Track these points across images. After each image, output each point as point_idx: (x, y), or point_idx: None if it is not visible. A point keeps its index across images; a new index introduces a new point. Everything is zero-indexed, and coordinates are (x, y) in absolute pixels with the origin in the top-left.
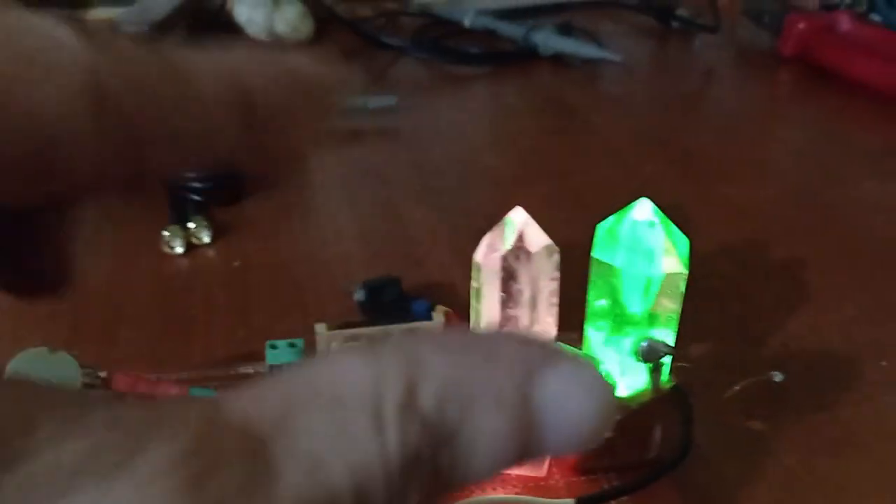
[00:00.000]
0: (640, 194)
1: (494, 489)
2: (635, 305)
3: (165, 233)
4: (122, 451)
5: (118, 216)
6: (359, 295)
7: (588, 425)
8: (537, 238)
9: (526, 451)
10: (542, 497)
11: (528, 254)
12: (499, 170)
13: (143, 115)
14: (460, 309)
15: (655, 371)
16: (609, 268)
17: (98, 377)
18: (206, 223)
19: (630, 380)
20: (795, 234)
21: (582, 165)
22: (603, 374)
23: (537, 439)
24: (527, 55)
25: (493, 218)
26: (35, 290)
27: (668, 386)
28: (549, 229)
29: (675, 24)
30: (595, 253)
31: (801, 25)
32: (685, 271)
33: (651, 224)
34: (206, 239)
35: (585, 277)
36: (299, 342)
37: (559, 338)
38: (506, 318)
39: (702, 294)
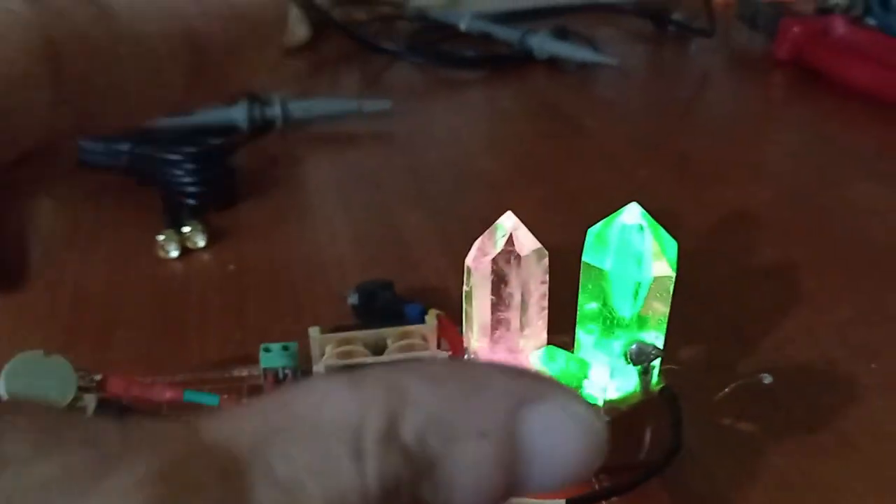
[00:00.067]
0: (634, 198)
1: None
2: (625, 308)
3: (160, 237)
4: (94, 471)
5: (113, 220)
6: (352, 298)
7: (576, 461)
8: (527, 242)
9: (511, 486)
10: (533, 498)
11: (518, 257)
12: (494, 174)
13: (93, 71)
14: (454, 312)
15: (645, 373)
16: (599, 271)
17: (93, 380)
18: (200, 227)
19: (620, 382)
20: (789, 236)
21: (577, 169)
22: (595, 409)
23: (523, 474)
24: (522, 59)
25: (487, 222)
26: None
27: (658, 388)
28: (543, 233)
29: (670, 28)
30: (585, 257)
31: (796, 29)
32: (673, 274)
33: (640, 228)
34: (201, 243)
35: (579, 281)
36: (293, 345)
37: (550, 340)
38: (497, 322)
39: (695, 297)
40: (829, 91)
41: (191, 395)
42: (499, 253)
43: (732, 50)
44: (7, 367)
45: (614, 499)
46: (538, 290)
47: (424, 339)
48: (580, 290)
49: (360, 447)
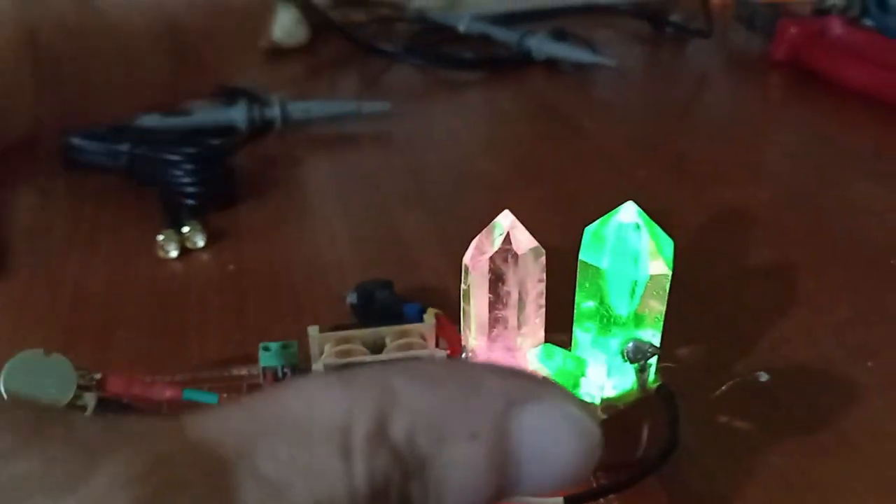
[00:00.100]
0: (633, 198)
1: None
2: (621, 307)
3: (160, 237)
4: (77, 468)
5: (113, 220)
6: (351, 298)
7: (570, 463)
8: (524, 240)
9: (503, 487)
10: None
11: (515, 256)
12: (492, 174)
13: (76, 62)
14: (452, 312)
15: (642, 371)
16: (595, 270)
17: (93, 379)
18: (200, 227)
19: (617, 380)
20: (787, 236)
21: (575, 170)
22: (589, 411)
23: (515, 475)
24: (521, 60)
25: (485, 222)
26: None
27: (654, 386)
28: (542, 233)
29: (668, 29)
30: (582, 255)
31: (793, 30)
32: (669, 273)
33: (636, 227)
34: (201, 243)
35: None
36: (292, 344)
37: (548, 339)
38: (494, 320)
39: (693, 296)
40: (827, 91)
41: (190, 394)
42: (496, 251)
43: (730, 51)
44: (7, 365)
45: (612, 496)
46: (535, 289)
47: (423, 338)
48: (577, 289)
49: (348, 447)
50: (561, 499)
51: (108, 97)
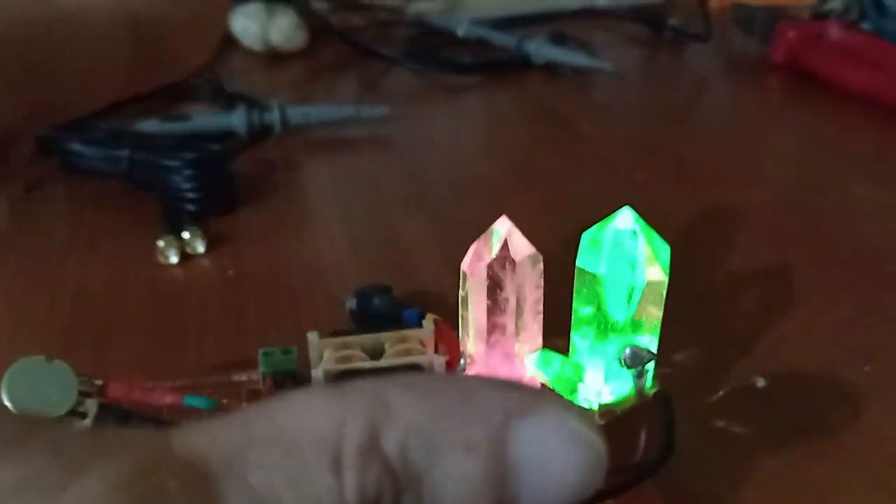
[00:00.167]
0: (631, 202)
1: None
2: (619, 313)
3: (160, 243)
4: (59, 478)
5: (113, 226)
6: (350, 303)
7: (572, 477)
8: (522, 247)
9: (501, 502)
10: None
11: (512, 263)
12: (491, 178)
13: (38, 59)
14: (451, 316)
15: (639, 377)
16: (593, 276)
17: (94, 385)
18: (200, 233)
19: (615, 386)
20: (786, 239)
21: (574, 173)
22: (593, 423)
23: (514, 490)
24: (519, 64)
25: (484, 226)
26: None
27: (652, 391)
28: (540, 237)
29: (666, 33)
30: (579, 262)
31: (792, 34)
32: (666, 278)
33: (633, 233)
34: (201, 249)
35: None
36: (293, 350)
37: (547, 344)
38: (493, 326)
39: (692, 299)
40: (826, 95)
41: (190, 400)
42: (494, 258)
43: (729, 54)
44: (8, 372)
45: (609, 501)
46: (533, 295)
47: (422, 343)
48: (574, 295)
49: (339, 459)
50: None
51: (72, 92)
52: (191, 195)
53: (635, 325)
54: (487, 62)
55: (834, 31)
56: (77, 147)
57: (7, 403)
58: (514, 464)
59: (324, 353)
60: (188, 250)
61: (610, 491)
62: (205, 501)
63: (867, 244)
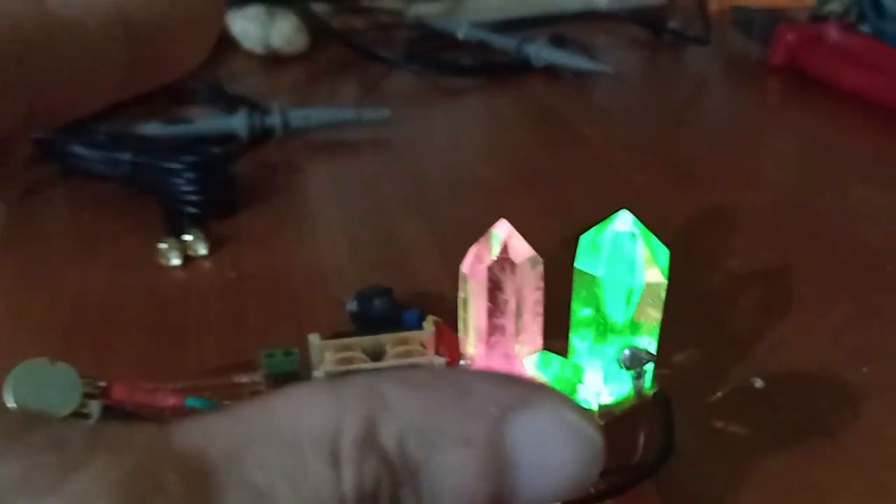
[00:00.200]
0: (631, 204)
1: None
2: (618, 314)
3: (162, 245)
4: (58, 473)
5: (115, 229)
6: (351, 305)
7: (570, 471)
8: (521, 249)
9: (499, 495)
10: None
11: (512, 265)
12: (491, 181)
13: (33, 65)
14: (451, 318)
15: (638, 378)
16: (592, 278)
17: (98, 387)
18: (202, 235)
19: (614, 387)
20: (785, 240)
21: (574, 176)
22: (590, 416)
23: (513, 483)
24: (519, 67)
25: (484, 229)
26: None
27: (650, 392)
28: (540, 239)
29: (666, 36)
30: (578, 264)
31: (791, 36)
32: (665, 281)
33: (632, 235)
34: (203, 251)
35: None
36: (294, 352)
37: (546, 345)
38: (493, 328)
39: (691, 301)
40: (825, 97)
41: (192, 402)
42: (494, 261)
43: (728, 57)
44: (12, 374)
45: (608, 501)
46: (532, 297)
47: (423, 345)
48: (573, 297)
49: (337, 453)
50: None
51: (70, 93)
52: (192, 198)
53: (634, 327)
54: (488, 65)
55: (833, 33)
56: (78, 150)
57: (12, 405)
58: (512, 457)
59: (325, 355)
60: (190, 253)
61: (609, 491)
62: (204, 496)
63: (866, 246)
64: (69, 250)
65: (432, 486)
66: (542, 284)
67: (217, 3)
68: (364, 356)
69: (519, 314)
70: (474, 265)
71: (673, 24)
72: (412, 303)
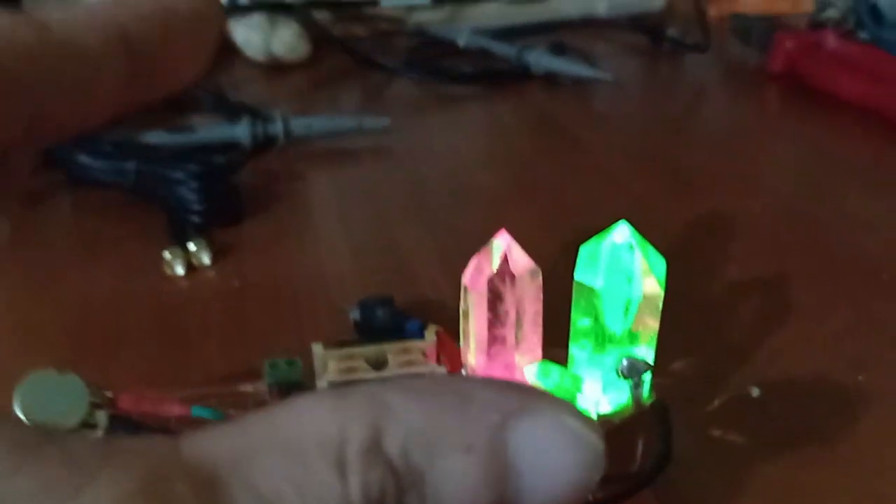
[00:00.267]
0: (630, 212)
1: None
2: (616, 325)
3: (166, 254)
4: (72, 486)
5: (119, 238)
6: (354, 314)
7: (571, 476)
8: (521, 261)
9: (502, 501)
10: None
11: (512, 277)
12: (491, 188)
13: (34, 83)
14: (452, 325)
15: (637, 387)
16: (590, 290)
17: (105, 397)
18: (206, 244)
19: (613, 396)
20: (783, 248)
21: (574, 183)
22: (590, 422)
23: (514, 489)
24: (520, 75)
25: (484, 237)
26: None
27: (649, 401)
28: (540, 249)
29: (665, 44)
30: (577, 275)
31: (789, 44)
32: (662, 292)
33: (629, 247)
34: (207, 260)
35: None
36: (297, 361)
37: (546, 355)
38: (493, 338)
39: (689, 310)
40: (824, 104)
41: (199, 412)
42: (494, 273)
43: (727, 64)
44: (21, 386)
45: None
46: (532, 308)
47: (424, 354)
48: (573, 307)
49: (343, 461)
50: None
51: (70, 111)
52: (196, 207)
53: (632, 337)
54: (488, 72)
55: (831, 40)
56: (84, 159)
57: (20, 416)
58: (514, 462)
59: (328, 364)
60: (194, 262)
61: (608, 499)
62: None
63: (864, 253)
64: (74, 258)
65: (437, 493)
66: (541, 296)
67: (215, 17)
68: (366, 365)
69: (519, 325)
70: (475, 277)
71: (672, 31)
72: (413, 310)
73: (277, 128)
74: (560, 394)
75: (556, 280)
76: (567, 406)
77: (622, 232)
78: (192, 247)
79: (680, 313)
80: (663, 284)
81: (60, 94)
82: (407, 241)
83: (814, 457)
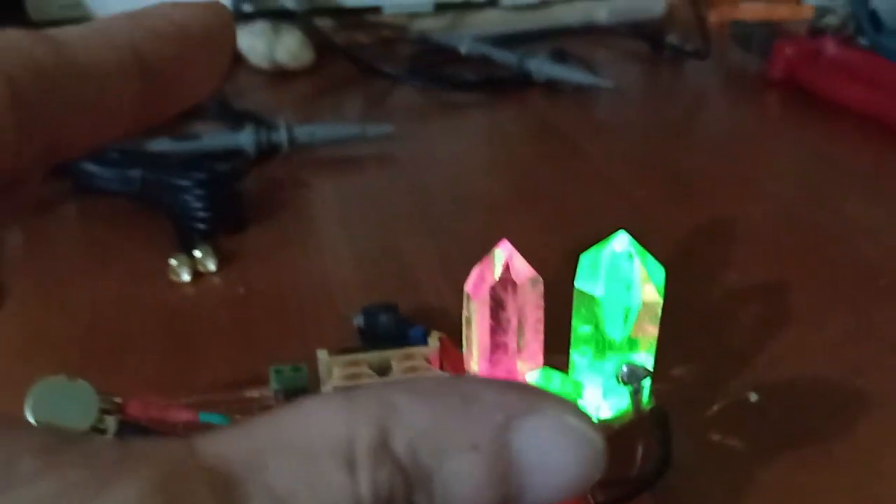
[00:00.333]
0: (630, 219)
1: None
2: (616, 332)
3: (172, 261)
4: (92, 488)
5: (125, 245)
6: (358, 321)
7: (573, 473)
8: (523, 270)
9: (507, 498)
10: None
11: (514, 285)
12: (493, 195)
13: (52, 105)
14: (455, 332)
15: (636, 393)
16: (590, 298)
17: (114, 403)
18: (211, 251)
19: (613, 402)
20: (782, 254)
21: (575, 190)
22: (591, 421)
23: (519, 486)
24: (521, 82)
25: (486, 244)
26: None
27: (648, 406)
28: (541, 256)
29: (666, 51)
30: (577, 283)
31: (789, 50)
32: (661, 300)
33: (629, 256)
34: (212, 267)
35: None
36: (303, 367)
37: (547, 361)
38: (495, 345)
39: (688, 316)
40: (823, 111)
41: (206, 417)
42: (496, 281)
43: (727, 71)
44: (32, 392)
45: None
46: (534, 315)
47: (427, 360)
48: (573, 315)
49: (352, 460)
50: None
51: (85, 131)
52: (201, 214)
53: (632, 343)
54: (489, 79)
55: (831, 47)
56: (90, 167)
57: (31, 421)
58: (517, 461)
59: (333, 371)
60: (200, 268)
61: (608, 503)
62: None
63: (863, 260)
64: (81, 266)
65: (445, 491)
66: (542, 303)
67: (228, 34)
68: (371, 371)
69: (521, 332)
70: (477, 285)
71: (672, 38)
72: (416, 316)
73: (281, 135)
74: None
75: (557, 287)
76: (569, 405)
77: (621, 241)
78: (197, 254)
79: (679, 319)
80: (662, 292)
81: (78, 114)
82: (410, 247)
83: (812, 461)
